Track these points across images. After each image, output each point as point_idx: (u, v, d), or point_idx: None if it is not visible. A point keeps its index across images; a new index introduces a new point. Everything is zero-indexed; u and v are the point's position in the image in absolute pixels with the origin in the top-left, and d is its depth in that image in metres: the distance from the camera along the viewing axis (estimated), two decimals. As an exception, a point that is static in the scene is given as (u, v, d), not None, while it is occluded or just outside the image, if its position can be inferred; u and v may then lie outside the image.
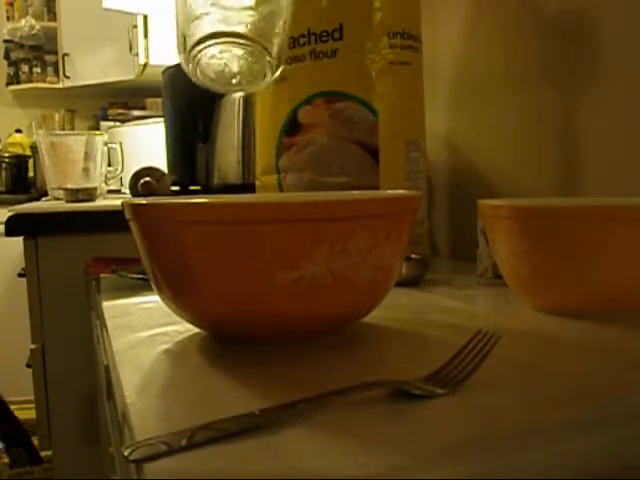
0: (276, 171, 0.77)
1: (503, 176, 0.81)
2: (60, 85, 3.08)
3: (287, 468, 0.25)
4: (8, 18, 3.17)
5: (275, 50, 0.56)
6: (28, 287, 1.06)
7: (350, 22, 0.70)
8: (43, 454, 1.63)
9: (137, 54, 2.52)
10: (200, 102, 1.35)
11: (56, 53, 3.08)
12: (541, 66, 0.74)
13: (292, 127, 0.74)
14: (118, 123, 2.50)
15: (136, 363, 0.40)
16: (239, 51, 0.54)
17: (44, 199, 1.68)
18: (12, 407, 1.45)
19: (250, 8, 0.53)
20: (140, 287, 0.64)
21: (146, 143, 1.80)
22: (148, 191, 1.23)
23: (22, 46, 3.18)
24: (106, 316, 0.54)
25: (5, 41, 3.20)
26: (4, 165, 2.82)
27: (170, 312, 0.44)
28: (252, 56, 0.54)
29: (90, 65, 2.90)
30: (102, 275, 0.73)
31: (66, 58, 2.97)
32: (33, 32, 3.10)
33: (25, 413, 1.97)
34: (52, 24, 3.07)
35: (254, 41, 0.54)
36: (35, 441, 1.14)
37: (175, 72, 1.45)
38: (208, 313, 0.41)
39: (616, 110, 0.64)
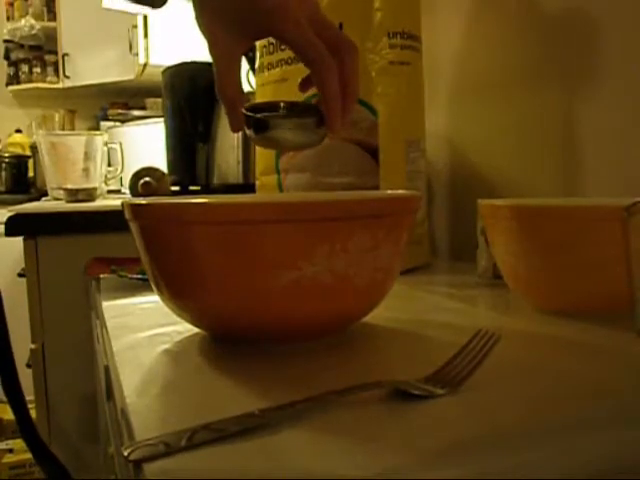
0: (276, 171, 0.77)
1: (503, 176, 0.81)
2: (60, 85, 3.08)
3: (287, 468, 0.25)
4: (8, 18, 3.17)
5: None
6: (28, 287, 1.06)
7: (350, 22, 0.70)
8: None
9: (137, 54, 2.52)
10: (200, 102, 1.35)
11: (56, 53, 3.07)
12: (541, 66, 0.74)
13: (292, 127, 0.74)
14: (118, 123, 2.50)
15: (136, 363, 0.40)
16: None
17: (44, 199, 1.68)
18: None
19: None
20: (140, 287, 0.64)
21: (146, 143, 1.80)
22: (148, 191, 1.23)
23: (22, 46, 3.18)
24: (106, 316, 0.54)
25: (5, 41, 3.20)
26: (4, 165, 2.82)
27: (170, 312, 0.44)
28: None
29: (90, 65, 2.90)
30: (102, 275, 0.73)
31: (66, 58, 2.97)
32: (33, 32, 3.09)
33: (25, 413, 1.97)
34: (52, 24, 3.07)
35: None
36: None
37: (175, 72, 1.45)
38: (208, 313, 0.41)
39: (616, 110, 0.64)
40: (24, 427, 0.86)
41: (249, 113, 0.53)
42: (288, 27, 0.49)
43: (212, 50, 0.51)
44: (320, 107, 0.51)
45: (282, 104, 0.55)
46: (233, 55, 0.51)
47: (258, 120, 0.53)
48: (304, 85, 0.56)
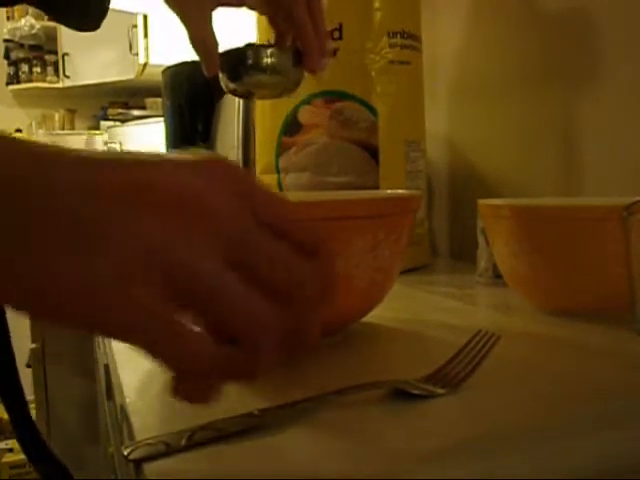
0: (276, 171, 0.77)
1: (503, 176, 0.81)
2: (60, 85, 3.08)
3: (286, 468, 0.25)
4: (8, 18, 3.17)
5: None
6: (28, 287, 1.06)
7: (350, 22, 0.70)
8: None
9: (137, 54, 2.52)
10: (200, 102, 1.35)
11: (56, 53, 3.07)
12: (541, 66, 0.74)
13: (292, 127, 0.74)
14: (118, 123, 2.50)
15: (136, 363, 0.40)
16: None
17: (44, 199, 1.68)
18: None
19: None
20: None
21: (146, 143, 1.80)
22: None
23: (22, 46, 3.18)
24: (106, 316, 0.54)
25: (5, 41, 3.19)
26: (4, 165, 2.81)
27: (170, 312, 0.44)
28: None
29: (90, 65, 2.89)
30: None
31: (66, 58, 2.97)
32: (33, 32, 3.09)
33: (25, 413, 1.97)
34: (52, 24, 3.06)
35: None
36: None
37: (175, 72, 1.45)
38: (208, 313, 0.41)
39: (616, 110, 0.64)
40: (22, 428, 0.85)
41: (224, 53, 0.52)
42: None
43: (182, 11, 0.52)
44: (293, 50, 0.52)
45: (255, 45, 0.55)
46: (203, 8, 0.51)
47: (234, 58, 0.52)
48: (278, 42, 0.56)
